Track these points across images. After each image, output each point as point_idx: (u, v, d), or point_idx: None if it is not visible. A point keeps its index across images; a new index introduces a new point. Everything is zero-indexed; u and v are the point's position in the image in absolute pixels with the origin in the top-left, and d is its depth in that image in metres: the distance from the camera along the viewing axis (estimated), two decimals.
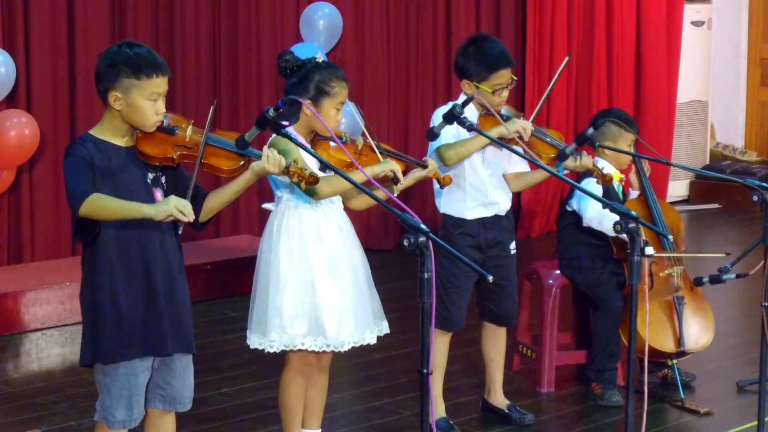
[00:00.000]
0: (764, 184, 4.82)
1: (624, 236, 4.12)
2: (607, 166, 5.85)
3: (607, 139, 5.89)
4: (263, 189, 7.74)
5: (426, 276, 3.53)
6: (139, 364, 4.03)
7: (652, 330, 5.81)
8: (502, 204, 5.47)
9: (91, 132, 4.01)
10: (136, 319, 3.99)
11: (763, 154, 11.80)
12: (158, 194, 4.02)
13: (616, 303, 5.86)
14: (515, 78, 5.37)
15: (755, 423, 5.10)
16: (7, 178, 7.35)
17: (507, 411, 5.67)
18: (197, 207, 4.00)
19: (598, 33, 10.27)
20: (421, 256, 3.53)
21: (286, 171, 4.04)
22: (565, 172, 5.31)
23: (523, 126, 5.20)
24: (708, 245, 9.69)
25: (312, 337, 4.69)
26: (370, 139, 4.70)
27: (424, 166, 4.81)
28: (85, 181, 3.85)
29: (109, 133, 4.00)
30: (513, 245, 5.54)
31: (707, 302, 6.10)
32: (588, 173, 5.54)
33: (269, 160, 4.01)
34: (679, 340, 5.90)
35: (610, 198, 5.69)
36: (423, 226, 3.56)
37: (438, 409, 5.45)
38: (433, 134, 5.09)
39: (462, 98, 5.20)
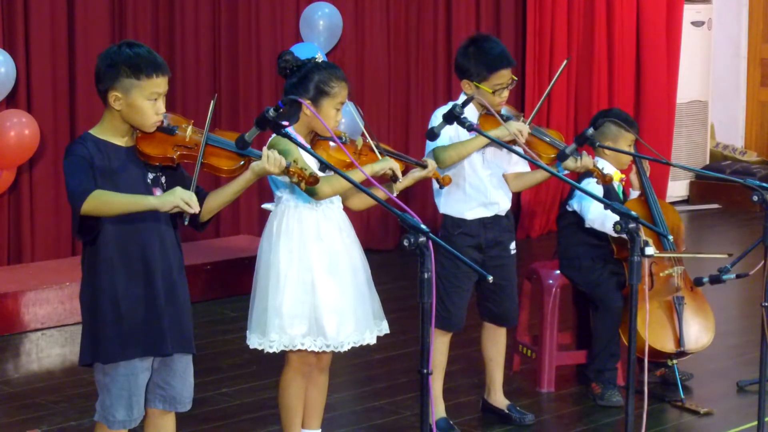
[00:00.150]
0: (764, 184, 4.82)
1: (624, 236, 4.12)
2: (607, 167, 5.85)
3: (607, 139, 5.89)
4: (263, 189, 7.74)
5: (426, 276, 3.52)
6: (138, 364, 4.02)
7: (652, 330, 5.80)
8: (502, 204, 5.47)
9: (91, 132, 4.01)
10: (136, 318, 3.99)
11: (763, 154, 11.80)
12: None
13: (616, 303, 5.86)
14: (515, 78, 5.37)
15: (755, 423, 5.10)
16: (7, 178, 7.35)
17: (507, 411, 5.66)
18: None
19: (598, 33, 10.27)
20: (421, 256, 3.53)
21: (286, 171, 4.03)
22: (565, 172, 5.31)
23: (519, 128, 5.19)
24: (708, 245, 9.69)
25: (312, 337, 4.69)
26: (369, 139, 4.70)
27: (424, 166, 4.81)
28: (86, 179, 3.85)
29: (109, 133, 3.99)
30: (513, 245, 5.54)
31: (707, 302, 6.10)
32: (588, 173, 5.53)
33: (269, 160, 4.01)
34: (679, 341, 5.90)
35: (610, 198, 5.69)
36: (423, 226, 3.55)
37: (438, 409, 5.45)
38: (433, 134, 5.08)
39: (462, 98, 5.20)
